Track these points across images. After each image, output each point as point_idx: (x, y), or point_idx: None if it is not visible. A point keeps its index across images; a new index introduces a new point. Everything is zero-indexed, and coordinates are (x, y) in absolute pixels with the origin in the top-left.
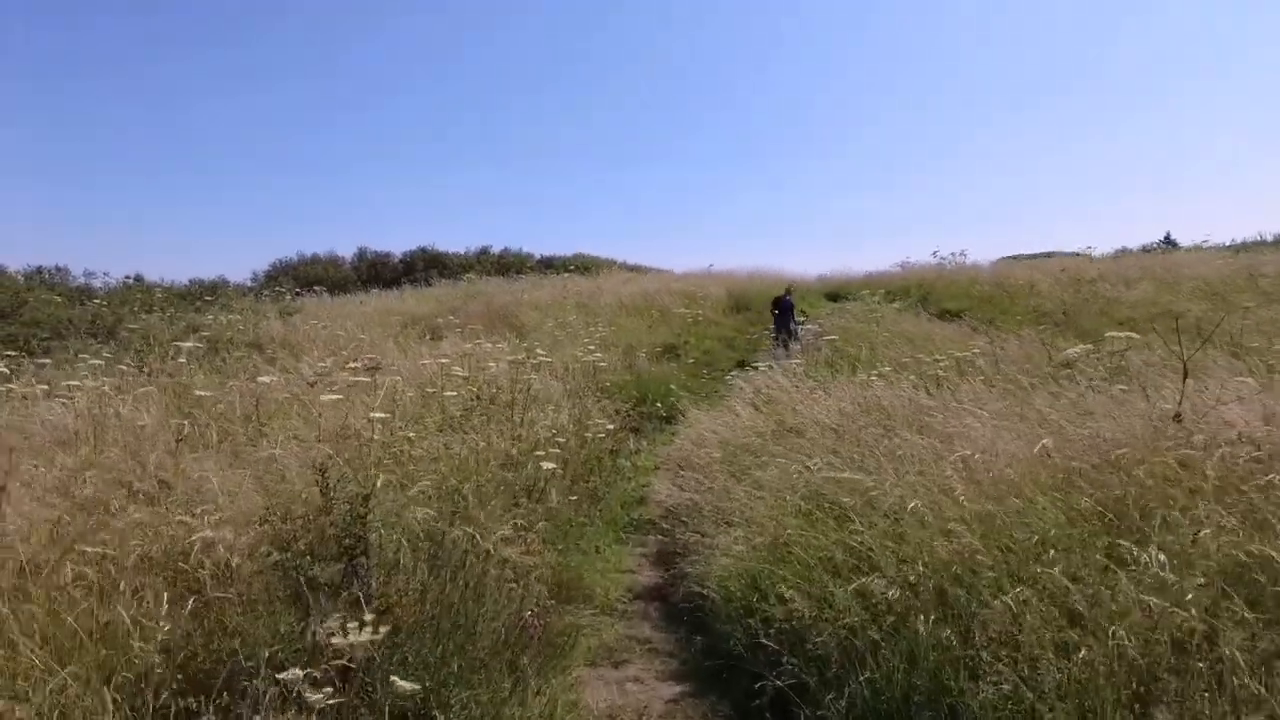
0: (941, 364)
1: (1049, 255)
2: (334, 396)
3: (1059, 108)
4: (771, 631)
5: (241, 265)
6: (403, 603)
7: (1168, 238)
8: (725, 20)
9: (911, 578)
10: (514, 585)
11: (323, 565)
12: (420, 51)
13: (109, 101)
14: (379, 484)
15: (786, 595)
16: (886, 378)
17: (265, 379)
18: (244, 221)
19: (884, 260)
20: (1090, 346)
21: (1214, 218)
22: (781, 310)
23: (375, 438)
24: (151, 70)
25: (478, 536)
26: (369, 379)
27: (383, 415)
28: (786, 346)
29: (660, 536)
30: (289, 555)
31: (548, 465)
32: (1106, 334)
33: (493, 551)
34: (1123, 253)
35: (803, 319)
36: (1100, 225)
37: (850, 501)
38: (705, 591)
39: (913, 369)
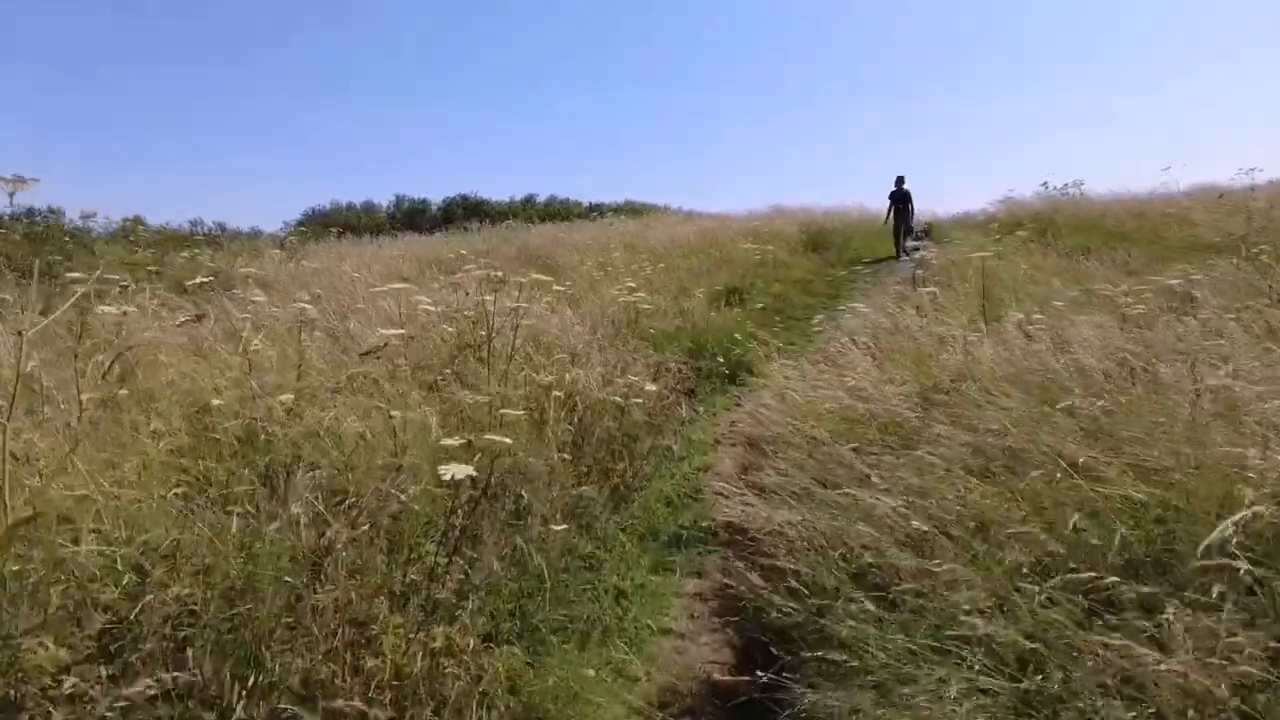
0: (1140, 298)
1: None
2: None
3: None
4: None
5: (289, 215)
6: None
7: None
8: None
9: None
10: None
11: None
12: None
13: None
14: None
15: None
16: (1066, 315)
17: (105, 308)
18: (296, 174)
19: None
20: None
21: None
22: (899, 202)
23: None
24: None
25: None
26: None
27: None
28: (904, 246)
29: (724, 577)
30: None
31: (455, 470)
32: None
33: None
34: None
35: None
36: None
37: None
38: None
39: (1080, 307)
